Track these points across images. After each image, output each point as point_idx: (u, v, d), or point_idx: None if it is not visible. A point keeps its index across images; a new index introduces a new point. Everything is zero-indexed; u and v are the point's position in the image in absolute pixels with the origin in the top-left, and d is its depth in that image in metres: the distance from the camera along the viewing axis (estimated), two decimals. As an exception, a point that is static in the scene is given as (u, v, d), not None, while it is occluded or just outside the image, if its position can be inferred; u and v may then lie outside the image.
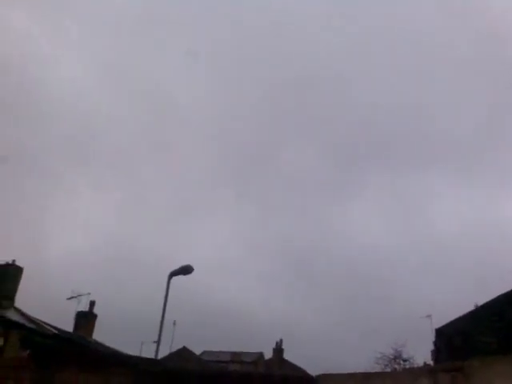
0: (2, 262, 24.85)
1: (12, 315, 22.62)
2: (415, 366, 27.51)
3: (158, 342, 16.42)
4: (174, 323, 30.03)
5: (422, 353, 30.16)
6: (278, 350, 40.66)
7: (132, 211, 61.68)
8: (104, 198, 57.79)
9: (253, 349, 41.36)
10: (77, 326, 28.56)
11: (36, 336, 21.69)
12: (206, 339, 42.68)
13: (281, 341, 40.77)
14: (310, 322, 51.84)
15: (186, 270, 15.46)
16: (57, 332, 24.03)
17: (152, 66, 61.51)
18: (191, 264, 15.49)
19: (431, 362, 26.76)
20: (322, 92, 67.02)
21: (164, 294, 15.83)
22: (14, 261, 24.97)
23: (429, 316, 26.88)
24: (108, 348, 27.87)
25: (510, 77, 62.24)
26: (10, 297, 24.58)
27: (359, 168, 69.46)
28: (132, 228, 59.18)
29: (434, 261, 59.58)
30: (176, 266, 15.60)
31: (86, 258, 48.56)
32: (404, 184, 70.18)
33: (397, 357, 29.82)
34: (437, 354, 26.66)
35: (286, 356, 40.51)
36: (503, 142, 66.34)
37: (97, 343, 28.10)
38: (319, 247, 64.03)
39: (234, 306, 50.44)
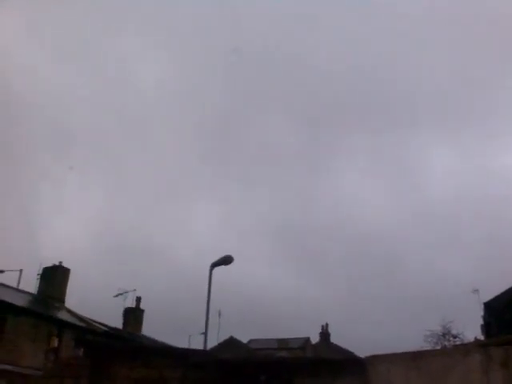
0: (50, 265, 25.65)
1: (63, 315, 23.41)
2: (466, 341, 27.05)
3: (206, 334, 16.66)
4: (219, 314, 30.36)
5: (471, 328, 29.67)
6: (325, 334, 40.71)
7: (117, 201, 61.65)
8: (90, 188, 57.90)
9: (299, 334, 41.57)
10: (125, 322, 29.31)
11: (88, 334, 22.43)
12: (252, 328, 43.13)
13: (326, 325, 40.81)
14: (348, 304, 51.56)
15: (226, 261, 15.60)
16: (107, 329, 24.76)
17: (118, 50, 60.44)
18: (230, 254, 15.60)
19: (482, 337, 26.29)
20: (285, 62, 64.43)
21: (202, 284, 16.08)
22: (60, 262, 25.74)
23: (476, 290, 26.35)
24: (157, 342, 28.52)
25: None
26: (61, 298, 25.41)
27: (339, 135, 66.68)
28: (123, 217, 59.33)
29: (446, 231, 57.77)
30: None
31: (98, 252, 49.14)
32: (389, 146, 66.84)
33: (446, 333, 29.36)
34: (487, 328, 26.17)
35: (333, 339, 40.56)
36: (482, 91, 62.85)
37: (146, 338, 28.79)
38: (318, 225, 62.47)
39: (264, 293, 50.46)
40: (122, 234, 53.58)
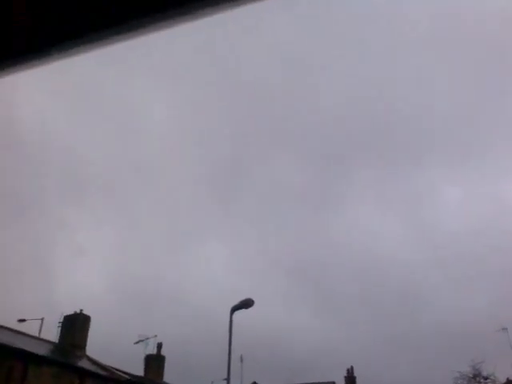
0: (71, 313, 25.67)
1: (85, 364, 23.24)
2: (497, 383, 26.07)
3: (228, 380, 16.35)
4: (241, 359, 29.80)
5: (503, 368, 28.63)
6: (350, 377, 39.51)
7: (132, 248, 61.85)
8: (106, 236, 58.07)
9: (324, 378, 40.45)
10: (147, 369, 28.94)
11: (110, 383, 22.18)
12: (276, 372, 42.11)
13: (352, 368, 39.65)
14: (373, 346, 50.23)
15: (247, 304, 15.44)
16: (129, 377, 24.46)
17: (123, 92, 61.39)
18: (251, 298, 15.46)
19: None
20: (293, 101, 64.15)
21: (224, 328, 15.91)
22: (81, 310, 25.74)
23: (504, 329, 25.63)
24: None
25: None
26: (81, 346, 25.29)
27: (349, 172, 65.38)
28: (139, 264, 59.47)
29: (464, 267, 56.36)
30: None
31: (117, 300, 49.05)
32: (398, 182, 66.02)
33: (476, 375, 28.38)
34: (519, 368, 25.26)
35: (359, 383, 39.35)
36: (487, 119, 61.76)
37: (168, 385, 28.34)
38: (335, 263, 61.80)
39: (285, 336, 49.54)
40: (139, 280, 53.63)
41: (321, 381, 39.76)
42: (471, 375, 28.41)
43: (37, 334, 25.32)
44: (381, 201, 67.17)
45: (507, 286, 48.18)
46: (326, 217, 66.75)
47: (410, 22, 60.42)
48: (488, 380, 27.90)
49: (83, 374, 21.48)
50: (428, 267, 60.22)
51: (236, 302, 15.63)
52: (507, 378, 25.46)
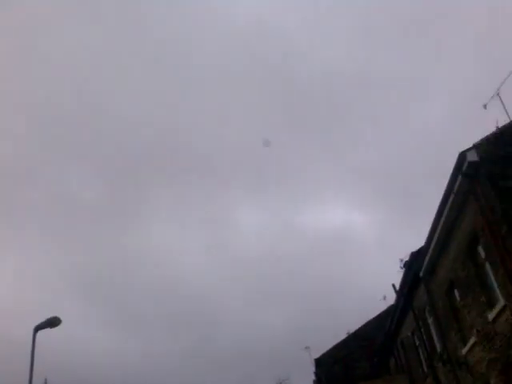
0: None
1: None
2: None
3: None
4: (46, 382, 27.51)
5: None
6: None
7: None
8: None
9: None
10: None
11: None
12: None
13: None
14: (170, 361, 50.40)
15: (52, 323, 14.25)
16: None
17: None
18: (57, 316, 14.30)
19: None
20: (91, 112, 62.90)
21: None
22: None
23: (307, 347, 27.69)
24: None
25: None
26: None
27: (144, 189, 66.26)
28: None
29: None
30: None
31: None
32: (199, 203, 69.13)
33: (282, 390, 30.13)
34: (319, 383, 27.50)
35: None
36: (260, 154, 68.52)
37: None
38: (137, 282, 62.10)
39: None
40: None
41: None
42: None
43: None
44: (180, 219, 67.92)
45: (306, 307, 52.41)
46: (122, 233, 65.14)
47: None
48: (293, 396, 29.80)
49: None
50: (227, 286, 62.58)
51: (37, 319, 14.28)
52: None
